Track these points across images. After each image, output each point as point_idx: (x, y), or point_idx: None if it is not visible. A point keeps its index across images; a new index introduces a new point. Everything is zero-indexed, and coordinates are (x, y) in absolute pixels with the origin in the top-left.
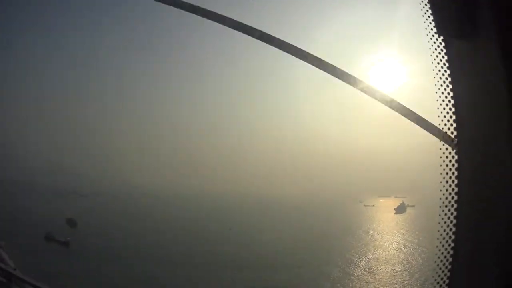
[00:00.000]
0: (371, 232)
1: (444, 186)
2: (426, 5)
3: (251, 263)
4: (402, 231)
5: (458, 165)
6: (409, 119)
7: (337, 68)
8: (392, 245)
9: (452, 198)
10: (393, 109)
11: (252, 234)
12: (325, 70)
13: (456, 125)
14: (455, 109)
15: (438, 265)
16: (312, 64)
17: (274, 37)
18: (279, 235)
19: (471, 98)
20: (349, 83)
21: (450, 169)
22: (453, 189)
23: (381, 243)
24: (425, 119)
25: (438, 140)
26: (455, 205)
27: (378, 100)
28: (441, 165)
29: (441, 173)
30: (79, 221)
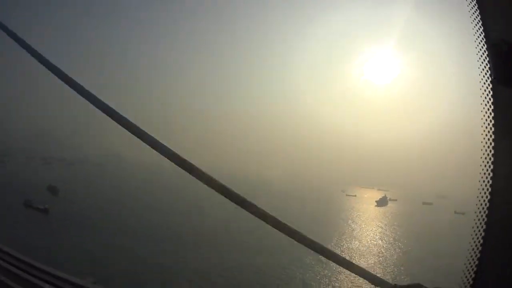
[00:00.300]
0: (349, 222)
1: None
2: (483, 47)
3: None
4: (381, 224)
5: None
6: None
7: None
8: (368, 237)
9: (486, 198)
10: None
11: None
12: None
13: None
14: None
15: (466, 260)
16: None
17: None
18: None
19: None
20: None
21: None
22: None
23: (358, 234)
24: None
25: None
26: (488, 204)
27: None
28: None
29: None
30: (62, 189)
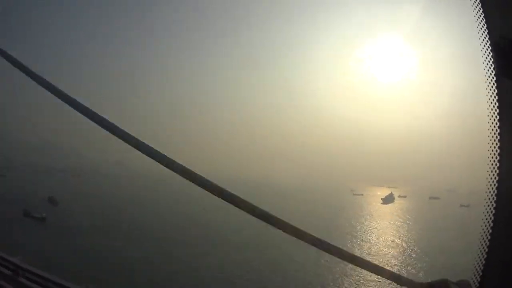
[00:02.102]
0: (351, 220)
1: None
2: (486, 44)
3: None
4: (382, 222)
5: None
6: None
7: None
8: (364, 234)
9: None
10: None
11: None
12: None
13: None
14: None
15: (474, 259)
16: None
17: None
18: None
19: None
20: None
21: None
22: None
23: (353, 231)
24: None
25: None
26: (495, 198)
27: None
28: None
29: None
30: (64, 200)
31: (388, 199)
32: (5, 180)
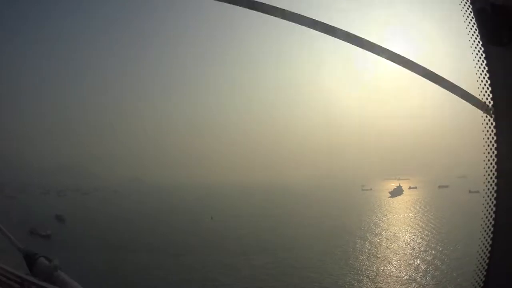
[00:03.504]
0: (352, 217)
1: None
2: (470, 14)
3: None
4: (384, 217)
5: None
6: (441, 86)
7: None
8: (359, 230)
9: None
10: (419, 74)
11: (232, 222)
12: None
13: (495, 123)
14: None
15: (477, 251)
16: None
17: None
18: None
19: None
20: (372, 51)
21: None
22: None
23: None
24: (459, 86)
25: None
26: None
27: (398, 63)
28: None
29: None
30: (71, 217)
31: (396, 192)
32: (16, 201)
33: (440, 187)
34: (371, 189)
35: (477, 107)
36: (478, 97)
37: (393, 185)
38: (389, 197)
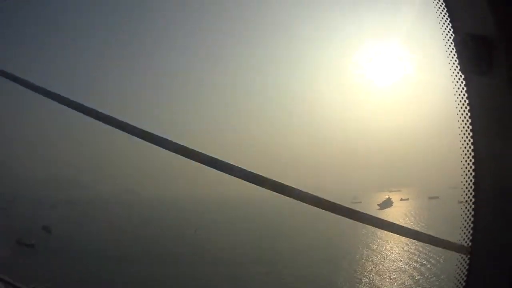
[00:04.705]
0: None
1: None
2: (451, 44)
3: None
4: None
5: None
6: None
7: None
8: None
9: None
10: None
11: (220, 234)
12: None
13: (474, 154)
14: (473, 140)
15: (457, 259)
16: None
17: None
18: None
19: (488, 131)
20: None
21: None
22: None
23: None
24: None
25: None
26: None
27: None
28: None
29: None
30: (58, 228)
31: (385, 204)
32: (5, 212)
33: (430, 198)
34: (361, 202)
35: (456, 251)
36: (457, 123)
37: (379, 198)
38: (377, 209)
